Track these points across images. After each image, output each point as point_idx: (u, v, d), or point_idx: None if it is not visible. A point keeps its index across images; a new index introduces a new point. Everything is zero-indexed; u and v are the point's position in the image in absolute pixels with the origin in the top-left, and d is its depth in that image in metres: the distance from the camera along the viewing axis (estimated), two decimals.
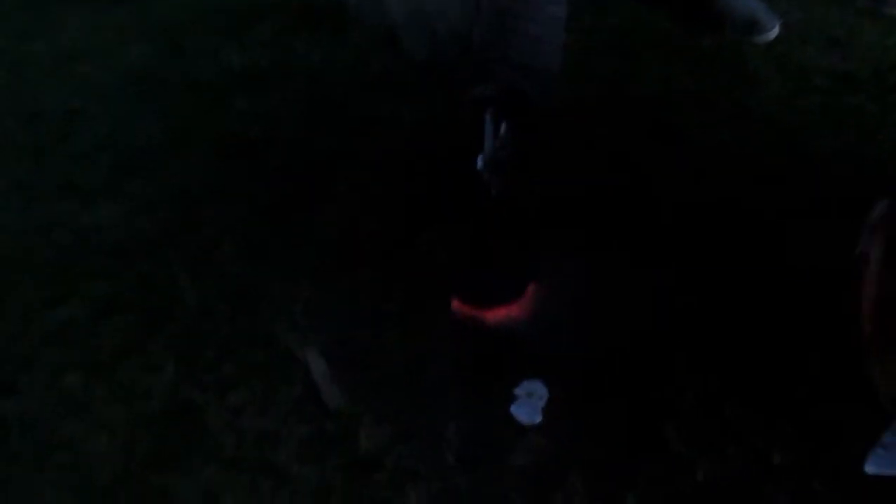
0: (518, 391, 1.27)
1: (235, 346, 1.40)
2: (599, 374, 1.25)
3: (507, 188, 1.36)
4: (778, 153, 1.56)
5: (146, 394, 1.36)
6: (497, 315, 1.31)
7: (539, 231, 1.41)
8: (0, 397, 1.37)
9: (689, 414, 1.15)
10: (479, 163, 1.35)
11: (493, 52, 1.44)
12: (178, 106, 1.93)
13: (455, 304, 1.35)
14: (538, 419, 1.23)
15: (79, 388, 1.38)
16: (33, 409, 1.34)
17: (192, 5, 2.30)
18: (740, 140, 1.59)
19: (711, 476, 1.08)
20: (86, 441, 1.30)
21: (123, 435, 1.30)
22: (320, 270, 1.52)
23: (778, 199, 1.47)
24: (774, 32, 1.81)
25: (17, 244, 1.66)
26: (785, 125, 1.58)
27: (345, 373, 1.36)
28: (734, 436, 1.12)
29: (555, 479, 1.14)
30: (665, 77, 1.76)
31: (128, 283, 1.54)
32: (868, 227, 1.02)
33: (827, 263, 1.33)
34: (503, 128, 1.35)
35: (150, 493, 1.23)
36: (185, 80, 2.02)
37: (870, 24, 1.83)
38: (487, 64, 1.42)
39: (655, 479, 1.09)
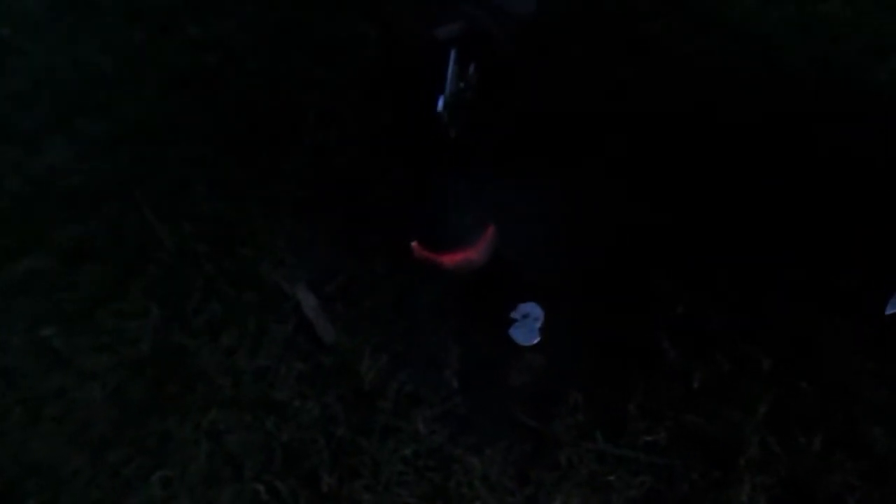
0: (514, 314, 1.30)
1: (220, 286, 1.37)
2: (590, 293, 1.29)
3: (468, 131, 1.31)
4: (751, 62, 1.57)
5: (133, 340, 1.32)
6: (455, 258, 1.30)
7: (502, 167, 1.41)
8: None
9: (681, 326, 1.21)
10: (440, 105, 1.29)
11: None
12: (121, 35, 1.78)
13: (414, 246, 1.34)
14: (536, 339, 1.27)
15: (58, 340, 1.33)
16: (15, 363, 1.29)
17: None
18: (715, 50, 1.59)
19: (705, 383, 1.14)
20: (76, 391, 1.27)
21: (115, 383, 1.27)
22: (298, 205, 1.48)
23: (750, 109, 1.50)
24: None
25: None
26: (758, 35, 1.59)
27: (336, 306, 1.35)
28: (723, 345, 1.18)
29: (556, 396, 1.18)
30: None
31: (95, 229, 1.46)
32: None
33: (800, 172, 1.38)
34: (469, 71, 1.30)
35: (150, 439, 1.22)
36: (126, 7, 1.86)
37: None
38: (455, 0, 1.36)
39: (653, 388, 1.15)
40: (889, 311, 1.10)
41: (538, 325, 1.28)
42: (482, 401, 1.22)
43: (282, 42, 1.74)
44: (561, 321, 1.27)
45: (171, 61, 1.74)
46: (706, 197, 1.39)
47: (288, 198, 1.49)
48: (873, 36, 1.58)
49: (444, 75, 1.28)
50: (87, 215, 1.48)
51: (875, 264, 1.25)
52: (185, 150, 1.58)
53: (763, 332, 1.19)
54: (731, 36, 1.57)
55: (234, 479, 1.17)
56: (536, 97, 1.41)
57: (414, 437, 1.19)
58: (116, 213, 1.47)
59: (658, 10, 1.61)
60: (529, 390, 1.21)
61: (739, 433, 1.10)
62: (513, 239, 1.32)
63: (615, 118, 1.51)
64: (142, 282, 1.38)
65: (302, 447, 1.20)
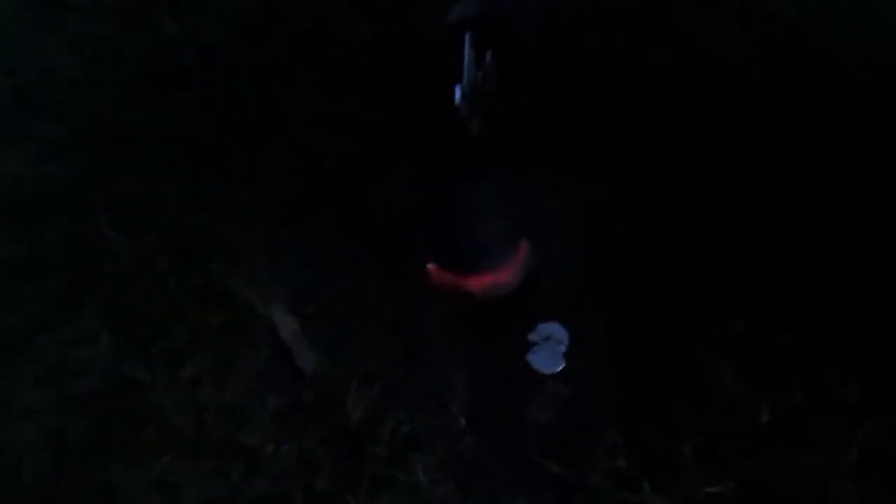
0: (533, 336, 1.07)
1: (184, 306, 1.15)
2: (624, 309, 1.07)
3: (490, 126, 1.11)
4: (795, 53, 1.37)
5: (78, 373, 1.10)
6: (482, 282, 1.07)
7: (528, 169, 1.21)
8: None
9: (739, 347, 0.98)
10: (457, 96, 1.10)
11: None
12: (91, 33, 1.61)
13: (431, 269, 1.11)
14: (560, 366, 1.04)
15: None
16: None
17: None
18: (752, 41, 1.39)
19: (777, 417, 0.91)
20: (6, 433, 1.06)
21: (53, 423, 1.06)
22: (279, 213, 1.27)
23: (797, 104, 1.29)
24: None
25: None
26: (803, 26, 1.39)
27: (319, 329, 1.14)
28: (795, 368, 0.95)
29: (588, 435, 0.96)
30: None
31: (44, 241, 1.26)
32: None
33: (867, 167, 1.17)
34: (487, 56, 1.11)
35: (90, 491, 1.00)
36: (97, 3, 1.69)
37: None
38: None
39: (711, 425, 0.92)
40: None
41: (562, 348, 1.05)
42: (496, 443, 0.99)
43: (265, 37, 1.56)
44: (590, 344, 1.04)
45: (143, 59, 1.56)
46: (756, 195, 1.17)
47: (267, 205, 1.28)
48: None
49: (459, 63, 1.08)
50: (36, 226, 1.28)
51: None
52: (153, 153, 1.38)
53: (844, 351, 0.96)
54: (769, 23, 1.38)
55: None
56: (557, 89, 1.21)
57: (413, 489, 0.96)
58: (68, 223, 1.27)
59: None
60: (554, 429, 0.99)
61: (824, 483, 0.87)
62: (539, 250, 1.10)
63: (649, 115, 1.30)
64: (92, 302, 1.17)
65: (274, 503, 0.97)
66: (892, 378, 0.93)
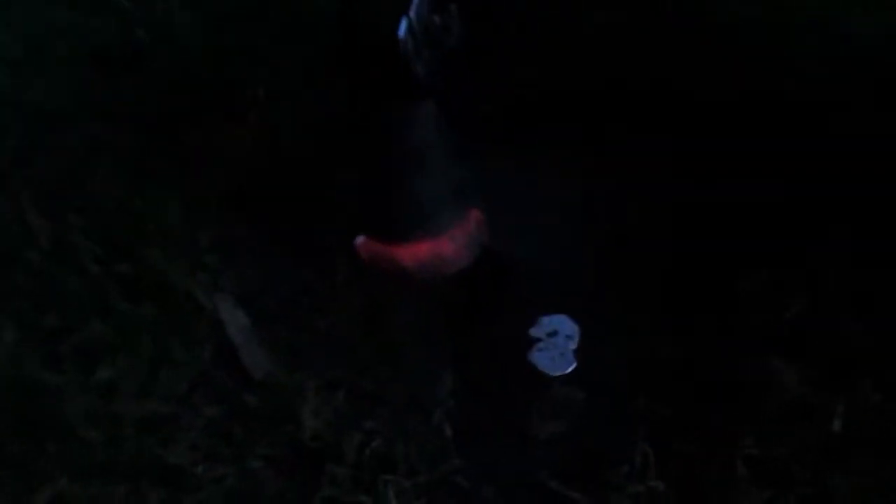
0: (537, 332, 0.88)
1: (109, 297, 0.94)
2: (645, 298, 0.87)
3: (443, 71, 0.92)
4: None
5: None
6: (417, 253, 0.87)
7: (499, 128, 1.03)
8: None
9: (794, 339, 0.79)
10: (402, 29, 0.92)
11: None
12: (41, 9, 1.44)
13: (360, 243, 0.91)
14: (570, 366, 0.84)
15: None
16: None
17: None
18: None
19: (852, 424, 0.71)
20: None
21: None
22: (233, 196, 1.08)
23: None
24: None
25: None
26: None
27: (277, 328, 0.93)
28: (868, 365, 0.76)
29: (610, 449, 0.75)
30: None
31: None
32: None
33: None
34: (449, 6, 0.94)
35: None
36: None
37: None
38: None
39: (769, 434, 0.71)
40: None
41: (572, 345, 0.85)
42: (492, 462, 0.78)
43: (222, 15, 1.40)
44: (606, 339, 0.84)
45: (92, 38, 1.39)
46: (794, 169, 0.98)
47: (219, 187, 1.09)
48: None
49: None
50: None
51: None
52: (91, 134, 1.19)
53: None
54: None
55: None
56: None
57: None
58: None
59: None
60: (566, 443, 0.78)
61: None
62: (527, 226, 0.91)
63: (660, 88, 1.14)
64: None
65: None
66: None
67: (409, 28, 0.84)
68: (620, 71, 1.14)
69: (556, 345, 0.85)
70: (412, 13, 0.87)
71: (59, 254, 0.99)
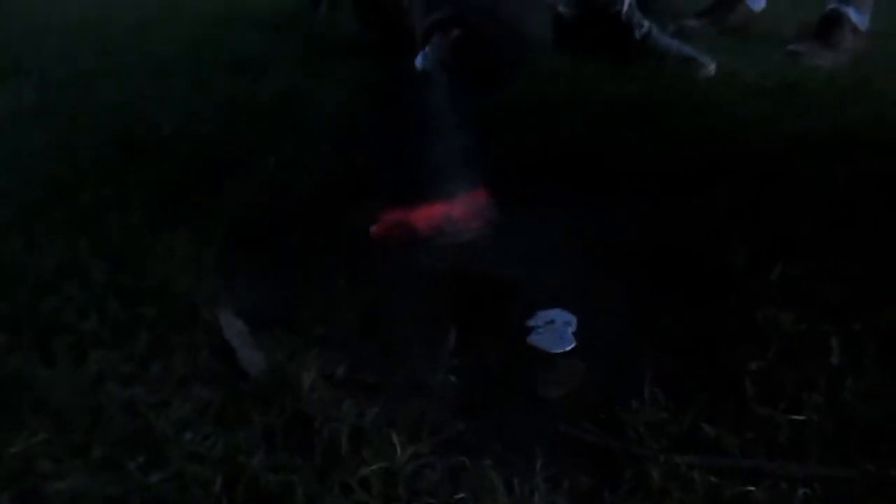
0: (533, 321, 0.89)
1: (107, 300, 0.94)
2: (641, 280, 0.91)
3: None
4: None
5: None
6: (430, 215, 0.90)
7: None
8: None
9: (788, 293, 0.81)
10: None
11: None
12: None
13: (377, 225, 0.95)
14: (570, 345, 0.85)
15: None
16: None
17: None
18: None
19: (849, 355, 0.72)
20: None
21: None
22: (235, 229, 1.12)
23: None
24: (712, 69, 1.84)
25: None
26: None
27: (275, 332, 0.92)
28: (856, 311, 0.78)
29: (617, 398, 0.73)
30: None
31: None
32: None
33: None
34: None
35: None
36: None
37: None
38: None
39: (775, 365, 0.71)
40: None
41: (570, 329, 0.87)
42: (502, 423, 0.75)
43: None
44: (604, 319, 0.87)
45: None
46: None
47: (224, 220, 1.14)
48: None
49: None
50: None
51: None
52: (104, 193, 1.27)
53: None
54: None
55: None
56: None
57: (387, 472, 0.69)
58: None
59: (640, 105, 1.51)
60: (572, 403, 0.76)
61: None
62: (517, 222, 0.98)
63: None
64: None
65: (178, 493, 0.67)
66: None
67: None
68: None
69: (555, 329, 0.87)
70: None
71: (66, 269, 1.01)
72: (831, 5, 2.07)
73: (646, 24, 1.85)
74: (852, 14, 2.04)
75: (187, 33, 2.26)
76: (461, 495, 0.66)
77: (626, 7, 1.67)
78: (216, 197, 1.22)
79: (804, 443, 0.66)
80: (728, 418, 0.68)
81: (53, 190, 1.27)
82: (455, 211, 0.91)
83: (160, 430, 0.75)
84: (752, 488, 0.62)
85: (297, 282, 1.01)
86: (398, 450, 0.70)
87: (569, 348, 0.84)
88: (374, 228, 0.94)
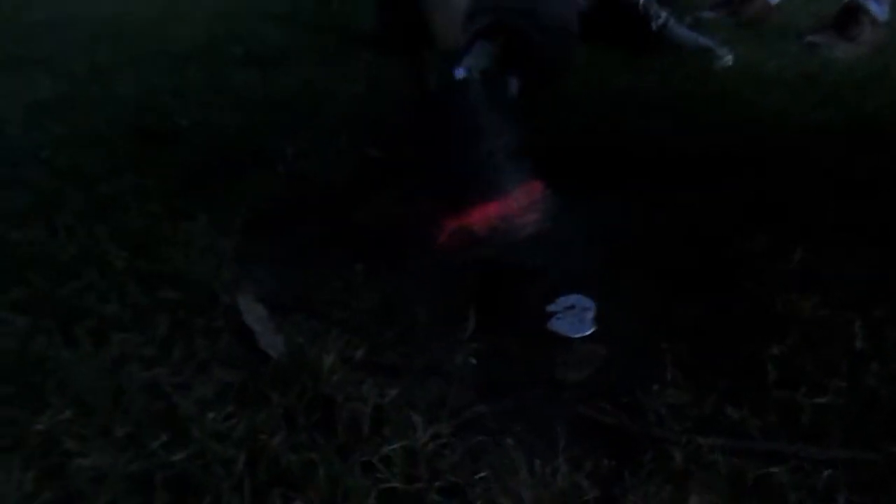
0: (553, 307, 0.89)
1: (128, 285, 0.95)
2: (660, 269, 0.90)
3: None
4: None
5: None
6: (487, 213, 0.92)
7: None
8: None
9: (808, 279, 0.81)
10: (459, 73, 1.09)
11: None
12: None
13: (442, 232, 0.97)
14: (589, 329, 0.85)
15: None
16: None
17: None
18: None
19: (872, 340, 0.71)
20: None
21: None
22: (254, 220, 1.13)
23: None
24: (730, 60, 1.83)
25: None
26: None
27: (295, 318, 0.93)
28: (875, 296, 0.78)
29: (637, 383, 0.73)
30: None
31: None
32: None
33: None
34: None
35: None
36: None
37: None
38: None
39: (796, 351, 0.71)
40: None
41: (590, 314, 0.87)
42: (522, 405, 0.75)
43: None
44: (624, 306, 0.86)
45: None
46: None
47: (244, 210, 1.14)
48: None
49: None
50: None
51: None
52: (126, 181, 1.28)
53: None
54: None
55: None
56: None
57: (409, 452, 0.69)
58: None
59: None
60: (592, 387, 0.76)
61: None
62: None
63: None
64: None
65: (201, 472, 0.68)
66: None
67: None
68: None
69: (574, 314, 0.87)
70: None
71: (86, 255, 1.02)
72: None
73: (663, 15, 1.84)
74: (871, 5, 2.02)
75: (204, 27, 2.27)
76: (482, 474, 0.66)
77: None
78: (234, 186, 1.23)
79: (827, 426, 0.66)
80: (750, 402, 0.67)
81: (73, 179, 1.29)
82: (510, 207, 0.92)
83: (182, 410, 0.76)
84: (774, 470, 0.62)
85: (316, 268, 1.02)
86: (419, 430, 0.70)
87: (588, 333, 0.84)
88: (439, 237, 0.95)
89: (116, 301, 0.92)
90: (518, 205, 0.92)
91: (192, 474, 0.68)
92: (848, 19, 2.02)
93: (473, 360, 0.82)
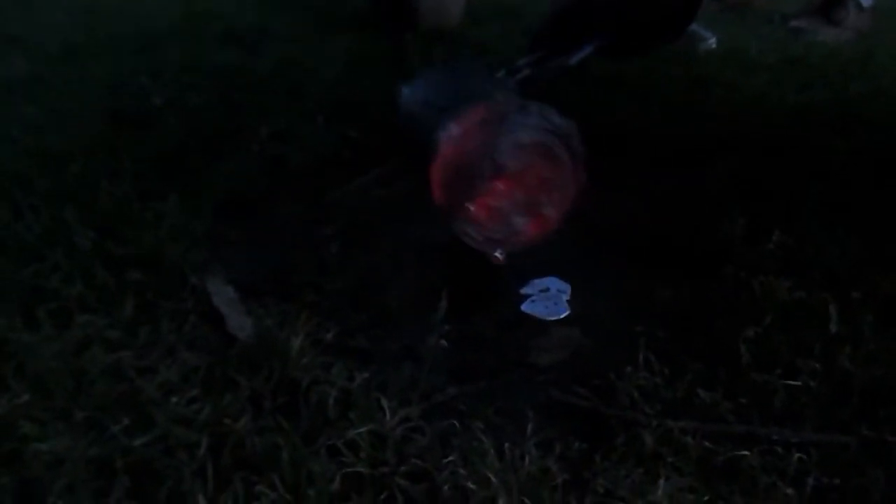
0: (527, 290, 0.88)
1: (94, 267, 0.92)
2: (636, 249, 0.89)
3: None
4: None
5: None
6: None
7: None
8: None
9: (784, 262, 0.80)
10: None
11: None
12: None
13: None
14: (564, 312, 0.83)
15: None
16: None
17: None
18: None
19: (847, 322, 0.70)
20: None
21: None
22: (225, 202, 1.10)
23: None
24: (713, 43, 1.82)
25: None
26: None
27: (266, 300, 0.91)
28: (850, 278, 0.77)
29: (609, 365, 0.71)
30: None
31: None
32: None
33: None
34: None
35: None
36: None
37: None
38: None
39: (770, 333, 0.70)
40: None
41: (565, 297, 0.85)
42: (494, 388, 0.73)
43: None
44: (599, 288, 0.85)
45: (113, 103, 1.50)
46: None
47: (215, 191, 1.12)
48: None
49: None
50: None
51: None
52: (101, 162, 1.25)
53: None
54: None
55: None
56: None
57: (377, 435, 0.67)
58: None
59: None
60: (565, 370, 0.75)
61: None
62: None
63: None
64: None
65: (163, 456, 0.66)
66: None
67: None
68: None
69: (549, 297, 0.85)
70: None
71: (52, 236, 0.99)
72: None
73: None
74: None
75: (182, 5, 2.22)
76: (450, 458, 0.65)
77: None
78: (208, 167, 1.20)
79: (800, 408, 0.65)
80: (723, 384, 0.66)
81: (42, 160, 1.25)
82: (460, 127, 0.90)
83: (146, 394, 0.74)
84: (745, 453, 0.61)
85: (289, 251, 1.00)
86: (387, 413, 0.69)
87: (563, 316, 0.83)
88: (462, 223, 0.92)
89: (81, 283, 0.89)
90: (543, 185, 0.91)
91: (153, 459, 0.67)
92: (833, 4, 2.01)
93: (445, 343, 0.80)
